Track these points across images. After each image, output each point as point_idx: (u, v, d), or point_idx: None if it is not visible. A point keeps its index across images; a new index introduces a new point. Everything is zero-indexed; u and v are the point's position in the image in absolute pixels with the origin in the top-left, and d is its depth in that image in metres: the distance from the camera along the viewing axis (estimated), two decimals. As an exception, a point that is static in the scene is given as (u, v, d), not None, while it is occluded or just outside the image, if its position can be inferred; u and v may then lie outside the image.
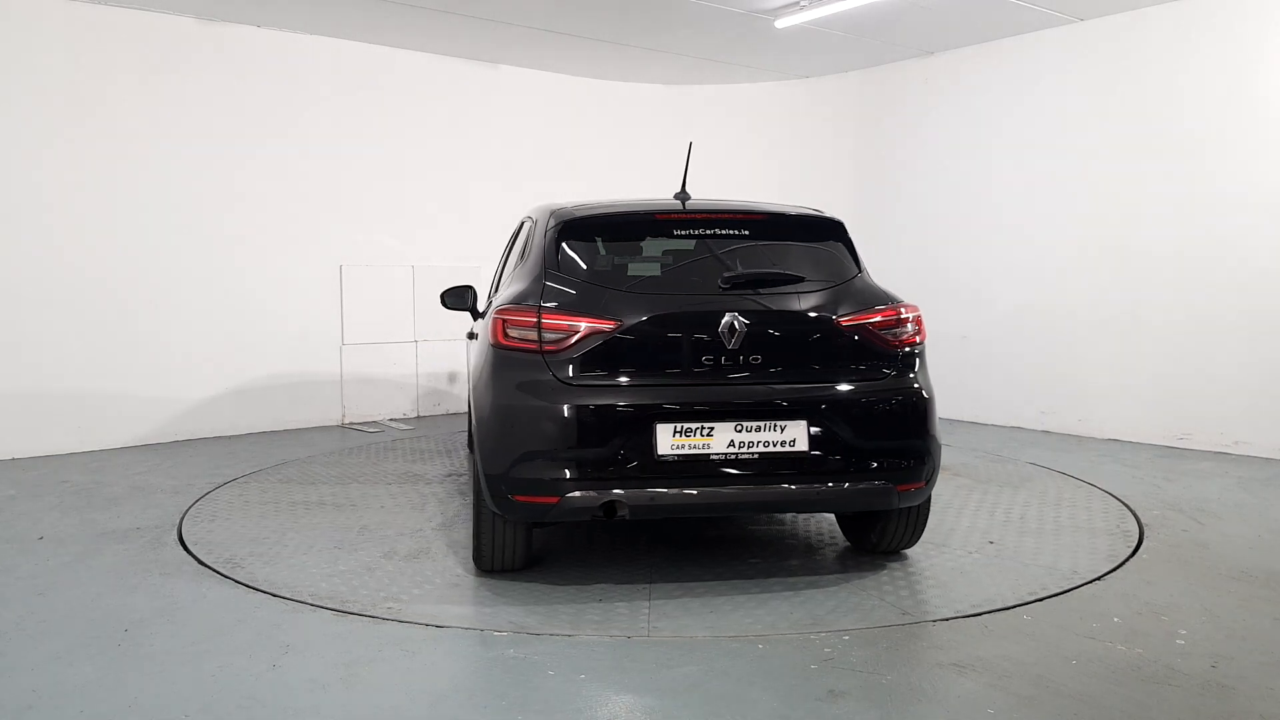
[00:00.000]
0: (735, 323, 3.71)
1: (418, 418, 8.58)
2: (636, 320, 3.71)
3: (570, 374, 3.66)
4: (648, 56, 8.55)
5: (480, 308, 5.91)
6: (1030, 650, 3.29)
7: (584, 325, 3.68)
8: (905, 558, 4.32)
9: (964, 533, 4.73)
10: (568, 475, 3.59)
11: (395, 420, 8.40)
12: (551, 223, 4.10)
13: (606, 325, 3.68)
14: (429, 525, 4.95)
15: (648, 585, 3.98)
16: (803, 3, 6.92)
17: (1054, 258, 7.62)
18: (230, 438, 7.53)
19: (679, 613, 3.66)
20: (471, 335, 5.42)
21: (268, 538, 4.72)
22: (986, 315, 8.06)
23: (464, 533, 4.77)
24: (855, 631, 3.46)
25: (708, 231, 4.04)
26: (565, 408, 3.61)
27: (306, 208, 7.96)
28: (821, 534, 4.74)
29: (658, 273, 4.07)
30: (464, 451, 6.75)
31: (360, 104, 8.18)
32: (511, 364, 3.75)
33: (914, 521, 4.16)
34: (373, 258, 8.34)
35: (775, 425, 3.66)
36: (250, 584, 4.01)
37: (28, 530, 4.88)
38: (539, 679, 3.07)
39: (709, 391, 3.70)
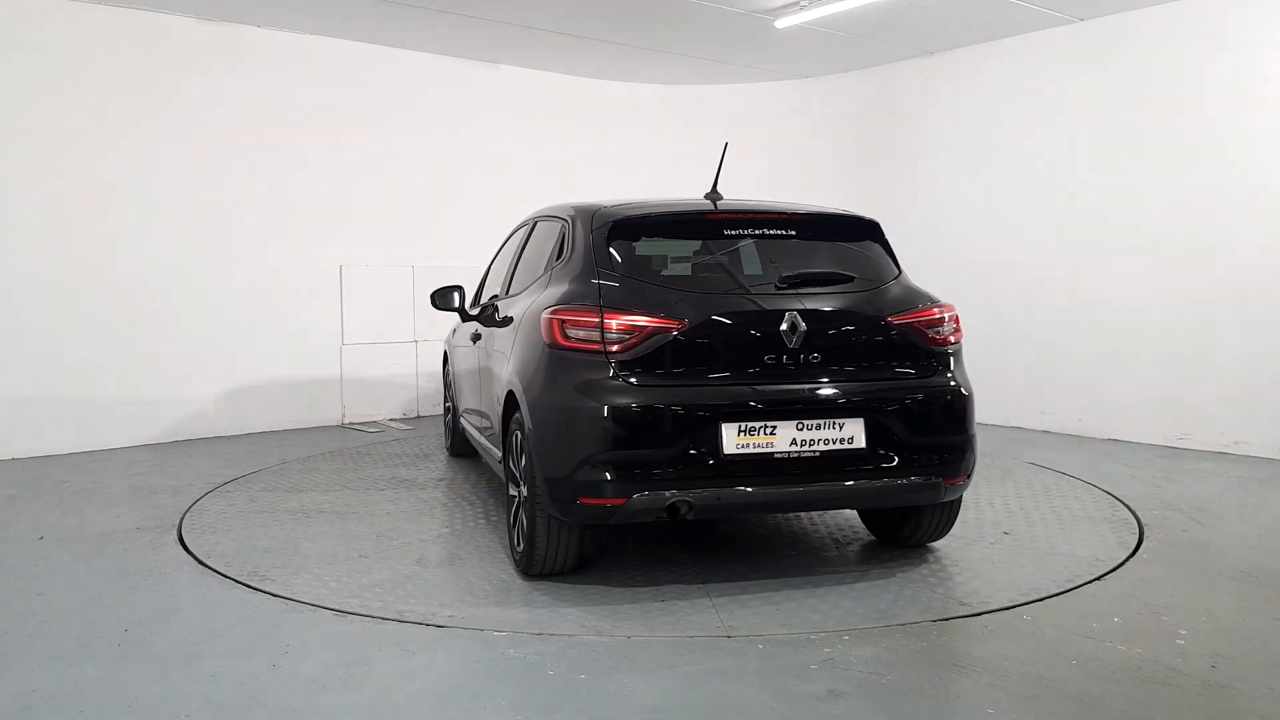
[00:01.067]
0: (796, 322, 3.75)
1: (418, 417, 8.58)
2: (700, 320, 3.72)
3: (635, 374, 3.65)
4: (648, 56, 8.55)
5: (469, 308, 5.83)
6: (1030, 650, 3.29)
7: (649, 325, 3.67)
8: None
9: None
10: (635, 477, 3.58)
11: (395, 420, 8.40)
12: (598, 222, 4.07)
13: (671, 325, 3.68)
14: (447, 530, 4.95)
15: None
16: (803, 3, 6.92)
17: (1053, 257, 7.62)
18: (230, 438, 7.53)
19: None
20: (476, 337, 5.36)
21: (280, 548, 4.70)
22: (986, 315, 8.06)
23: (490, 537, 4.77)
24: (855, 631, 3.46)
25: (756, 231, 4.10)
26: (633, 409, 3.59)
27: (306, 208, 7.96)
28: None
29: (713, 273, 4.08)
30: (445, 455, 6.75)
31: (360, 104, 8.18)
32: (571, 365, 3.71)
33: (949, 514, 4.28)
34: (373, 258, 8.34)
35: (835, 423, 3.72)
36: (257, 587, 4.01)
37: (28, 530, 4.88)
38: (539, 679, 3.07)
39: (771, 390, 3.72)
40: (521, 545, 4.03)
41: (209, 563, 4.31)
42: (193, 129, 7.37)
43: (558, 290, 4.01)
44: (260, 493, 5.67)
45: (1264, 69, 6.46)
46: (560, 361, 3.74)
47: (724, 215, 4.12)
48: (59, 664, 3.20)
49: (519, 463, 4.05)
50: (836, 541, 4.61)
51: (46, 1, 6.73)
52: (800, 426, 3.67)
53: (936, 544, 4.51)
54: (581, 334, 3.70)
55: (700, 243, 4.22)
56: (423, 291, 8.44)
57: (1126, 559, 4.28)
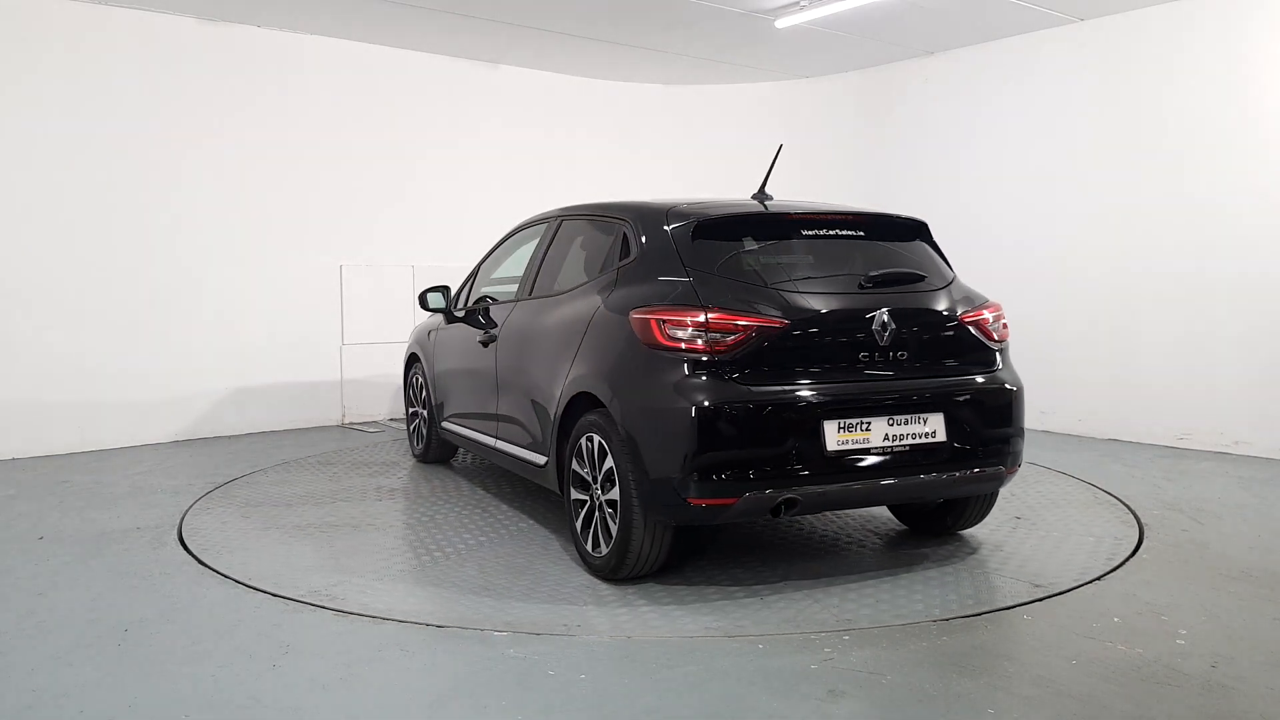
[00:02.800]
0: (886, 320, 3.86)
1: (418, 418, 8.58)
2: (800, 318, 3.77)
3: (741, 374, 3.66)
4: (648, 56, 8.54)
5: (455, 309, 5.79)
6: (1030, 650, 3.29)
7: (753, 324, 3.69)
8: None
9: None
10: (745, 476, 3.61)
11: (396, 420, 8.40)
12: (676, 222, 4.07)
13: (773, 324, 3.72)
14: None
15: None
16: (803, 3, 6.92)
17: (1053, 257, 7.62)
18: (230, 438, 7.53)
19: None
20: (489, 340, 5.20)
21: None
22: (986, 315, 8.05)
23: (536, 540, 4.78)
24: (855, 631, 3.46)
25: (829, 232, 4.18)
26: (744, 408, 3.61)
27: (306, 208, 7.96)
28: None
29: (799, 272, 4.07)
30: (424, 458, 6.54)
31: (360, 104, 8.18)
32: (675, 366, 3.68)
33: (990, 500, 4.50)
34: (373, 258, 8.34)
35: (920, 418, 3.87)
36: (257, 587, 4.01)
37: (28, 530, 4.88)
38: (539, 679, 3.07)
39: (866, 387, 3.83)
40: (604, 548, 3.97)
41: (209, 563, 4.31)
42: (192, 129, 7.36)
43: (639, 291, 3.96)
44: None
45: (1264, 69, 6.46)
46: (663, 362, 3.71)
47: (801, 216, 4.18)
48: (59, 664, 3.20)
49: (597, 466, 3.98)
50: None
51: (46, 1, 6.73)
52: (891, 422, 3.81)
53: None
54: (685, 334, 3.69)
55: (780, 243, 4.21)
56: (423, 291, 8.45)
57: (1126, 559, 4.29)
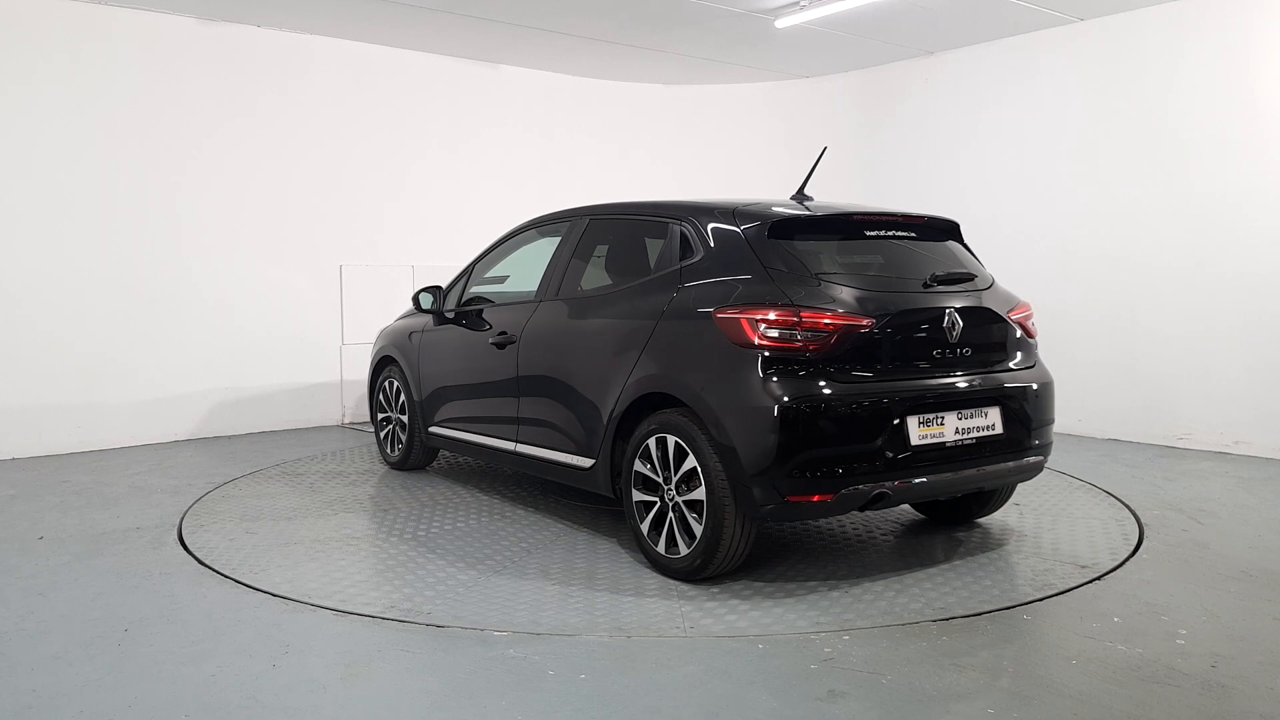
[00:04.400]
0: (955, 318, 4.03)
1: (418, 418, 8.58)
2: (884, 317, 3.86)
3: (833, 371, 3.74)
4: (648, 56, 8.54)
5: (446, 308, 5.68)
6: (1030, 650, 3.29)
7: (843, 323, 3.76)
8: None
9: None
10: (841, 471, 3.69)
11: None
12: (747, 222, 4.09)
13: (862, 322, 3.80)
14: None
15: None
16: (803, 3, 6.92)
17: (1053, 257, 7.62)
18: (230, 438, 7.53)
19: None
20: (504, 341, 5.05)
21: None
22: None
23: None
24: (855, 631, 3.46)
25: (888, 233, 4.31)
26: (840, 405, 3.69)
27: (306, 208, 7.96)
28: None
29: (870, 272, 4.15)
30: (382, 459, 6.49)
31: (360, 104, 8.18)
32: (769, 365, 3.71)
33: (1012, 488, 4.74)
34: (373, 258, 8.34)
35: (982, 411, 4.07)
36: (257, 587, 4.01)
37: (28, 530, 4.88)
38: (539, 679, 3.07)
39: (941, 383, 3.98)
40: (684, 549, 3.94)
41: (209, 563, 4.31)
42: (192, 129, 7.37)
43: (717, 290, 3.95)
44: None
45: (1264, 68, 6.46)
46: (757, 362, 3.72)
47: (864, 217, 4.27)
48: (59, 664, 3.20)
49: (672, 467, 3.97)
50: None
51: (46, 1, 6.73)
52: (960, 416, 3.98)
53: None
54: (778, 333, 3.72)
55: (846, 243, 4.27)
56: (423, 291, 8.44)
57: (1126, 559, 4.29)
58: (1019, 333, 4.34)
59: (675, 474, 3.97)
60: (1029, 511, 5.12)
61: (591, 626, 3.52)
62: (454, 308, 5.69)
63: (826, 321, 3.74)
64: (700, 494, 3.84)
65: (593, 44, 8.10)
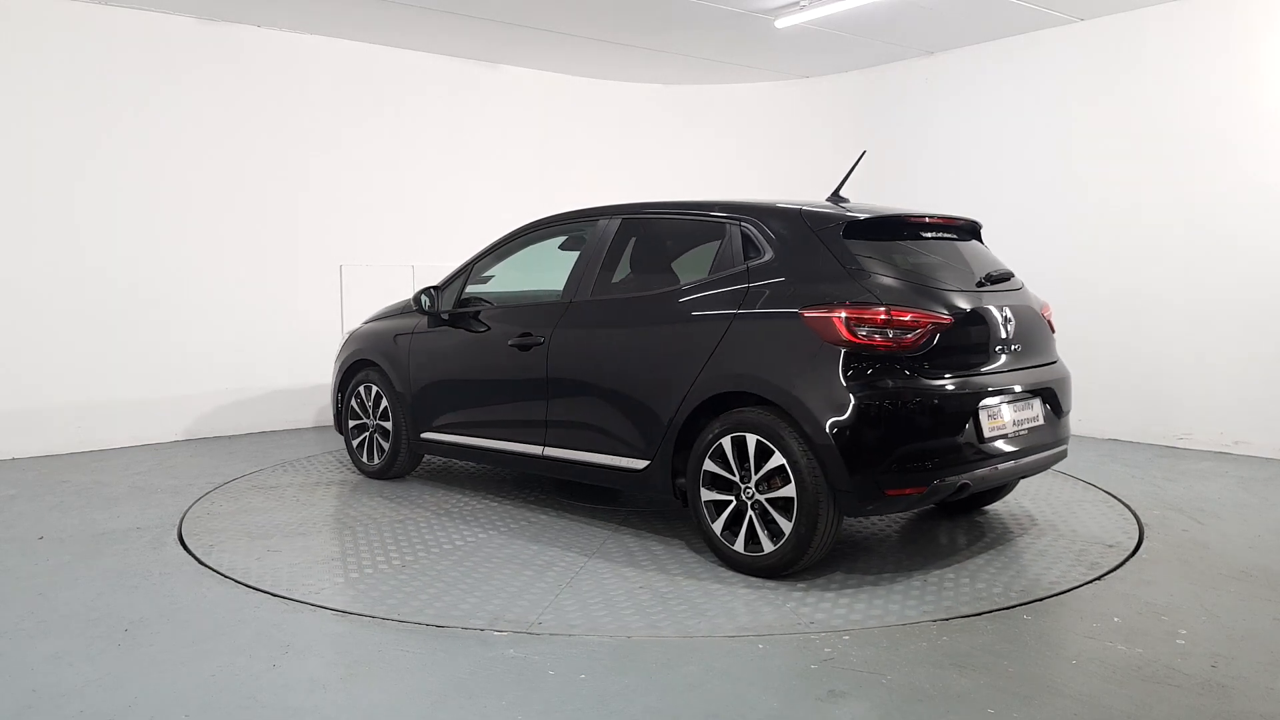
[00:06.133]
0: (1009, 315, 4.27)
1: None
2: (959, 314, 4.02)
3: (921, 367, 3.87)
4: (648, 56, 8.54)
5: (442, 308, 5.49)
6: (1030, 650, 3.29)
7: (929, 320, 3.89)
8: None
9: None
10: (932, 464, 3.82)
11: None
12: (819, 224, 4.17)
13: (944, 320, 3.94)
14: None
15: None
16: (803, 3, 6.91)
17: (1053, 257, 7.61)
18: (230, 438, 7.53)
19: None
20: (526, 344, 4.92)
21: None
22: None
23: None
24: (855, 631, 3.46)
25: (938, 235, 4.51)
26: (933, 399, 3.83)
27: (306, 208, 7.96)
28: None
29: (935, 272, 4.24)
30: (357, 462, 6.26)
31: (360, 104, 8.18)
32: (866, 362, 3.80)
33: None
34: (373, 258, 8.34)
35: (1029, 404, 4.27)
36: (257, 587, 4.01)
37: (28, 530, 4.88)
38: (539, 679, 3.07)
39: (1002, 377, 4.17)
40: (768, 546, 3.95)
41: (209, 563, 4.31)
42: (192, 129, 7.36)
43: (800, 290, 3.99)
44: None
45: (1264, 68, 6.46)
46: (853, 359, 3.80)
47: (924, 220, 4.45)
48: (59, 664, 3.20)
49: (753, 464, 3.98)
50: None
51: (46, 1, 6.73)
52: (1014, 408, 4.18)
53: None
54: (870, 331, 3.81)
55: (907, 243, 4.37)
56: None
57: (1126, 559, 4.29)
58: (1047, 328, 4.59)
59: (755, 472, 3.99)
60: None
61: (591, 626, 3.52)
62: (450, 308, 5.49)
63: (914, 319, 3.85)
64: (789, 491, 3.88)
65: (593, 44, 8.10)
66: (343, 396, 6.20)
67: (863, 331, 3.80)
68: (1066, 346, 7.44)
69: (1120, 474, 6.03)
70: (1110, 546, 4.47)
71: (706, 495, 4.18)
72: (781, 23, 7.28)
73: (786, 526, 3.89)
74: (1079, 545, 4.50)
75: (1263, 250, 6.47)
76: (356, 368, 6.09)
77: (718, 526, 4.14)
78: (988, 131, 8.07)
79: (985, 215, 8.01)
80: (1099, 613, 3.63)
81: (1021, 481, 5.75)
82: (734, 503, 4.08)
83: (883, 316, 3.81)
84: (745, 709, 2.85)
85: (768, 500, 3.96)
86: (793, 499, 3.87)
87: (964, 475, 3.90)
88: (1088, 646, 3.30)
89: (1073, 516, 5.01)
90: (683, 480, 4.35)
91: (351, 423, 6.16)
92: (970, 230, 4.73)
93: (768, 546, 3.97)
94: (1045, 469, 4.57)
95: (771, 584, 3.97)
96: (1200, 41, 6.74)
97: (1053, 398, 4.43)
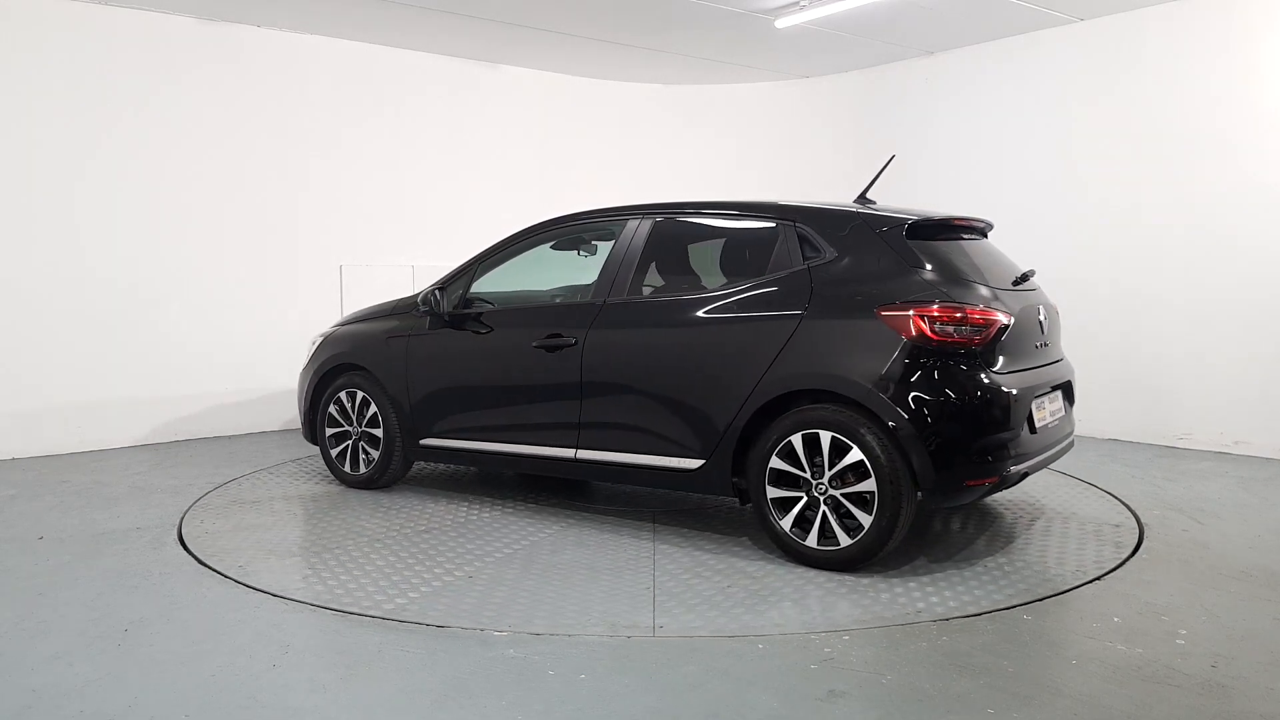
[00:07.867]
0: (1044, 312, 4.56)
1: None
2: (1016, 313, 4.23)
3: (991, 363, 4.06)
4: (648, 56, 8.54)
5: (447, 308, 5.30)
6: (1030, 650, 3.29)
7: (996, 318, 4.06)
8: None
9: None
10: (1004, 455, 4.02)
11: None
12: (879, 226, 4.29)
13: (1009, 318, 4.13)
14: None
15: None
16: (803, 3, 6.91)
17: (1053, 257, 7.59)
18: (230, 438, 7.53)
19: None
20: (558, 346, 4.81)
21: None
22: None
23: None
24: (855, 631, 3.46)
25: (968, 236, 4.65)
26: (1005, 392, 4.01)
27: (306, 208, 7.95)
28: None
29: (981, 272, 4.37)
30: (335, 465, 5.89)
31: (360, 104, 8.18)
32: (947, 359, 3.96)
33: None
34: (373, 258, 8.34)
35: (1055, 397, 4.52)
36: (257, 587, 4.01)
37: (28, 530, 4.88)
38: (539, 679, 3.07)
39: (1041, 372, 4.41)
40: (844, 540, 4.03)
41: (209, 563, 4.31)
42: (192, 129, 7.36)
43: (873, 289, 4.10)
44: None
45: (1264, 68, 6.46)
46: (936, 356, 3.96)
47: (962, 221, 4.60)
48: (59, 664, 3.20)
49: (826, 461, 4.04)
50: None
51: (46, 1, 6.73)
52: (1049, 400, 4.41)
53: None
54: (949, 329, 3.96)
55: (953, 244, 4.46)
56: (423, 291, 8.42)
57: (1127, 559, 4.29)
58: (1058, 325, 4.84)
59: (830, 469, 4.04)
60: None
61: (591, 626, 3.52)
62: (453, 309, 5.31)
63: (983, 317, 4.02)
64: (867, 486, 3.96)
65: (593, 44, 8.10)
66: (317, 404, 5.88)
67: (942, 329, 3.95)
68: (1067, 346, 7.49)
69: (1120, 474, 6.03)
70: (1110, 546, 4.47)
71: (774, 493, 4.20)
72: (781, 23, 7.28)
73: (865, 520, 3.98)
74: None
75: (1263, 250, 6.47)
76: (335, 373, 5.77)
77: (786, 523, 4.17)
78: (988, 131, 8.07)
79: (984, 214, 8.06)
80: (1099, 613, 3.63)
81: (1020, 482, 5.77)
82: (803, 499, 4.13)
83: (957, 314, 3.96)
84: (745, 709, 2.85)
85: (843, 495, 4.03)
86: (869, 493, 3.96)
87: (1024, 465, 4.12)
88: (1088, 646, 3.30)
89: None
90: (738, 479, 4.38)
91: (330, 431, 5.80)
92: (985, 231, 4.89)
93: (844, 541, 4.04)
94: (1061, 457, 4.73)
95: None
96: (1200, 41, 6.74)
97: (1069, 390, 4.71)
